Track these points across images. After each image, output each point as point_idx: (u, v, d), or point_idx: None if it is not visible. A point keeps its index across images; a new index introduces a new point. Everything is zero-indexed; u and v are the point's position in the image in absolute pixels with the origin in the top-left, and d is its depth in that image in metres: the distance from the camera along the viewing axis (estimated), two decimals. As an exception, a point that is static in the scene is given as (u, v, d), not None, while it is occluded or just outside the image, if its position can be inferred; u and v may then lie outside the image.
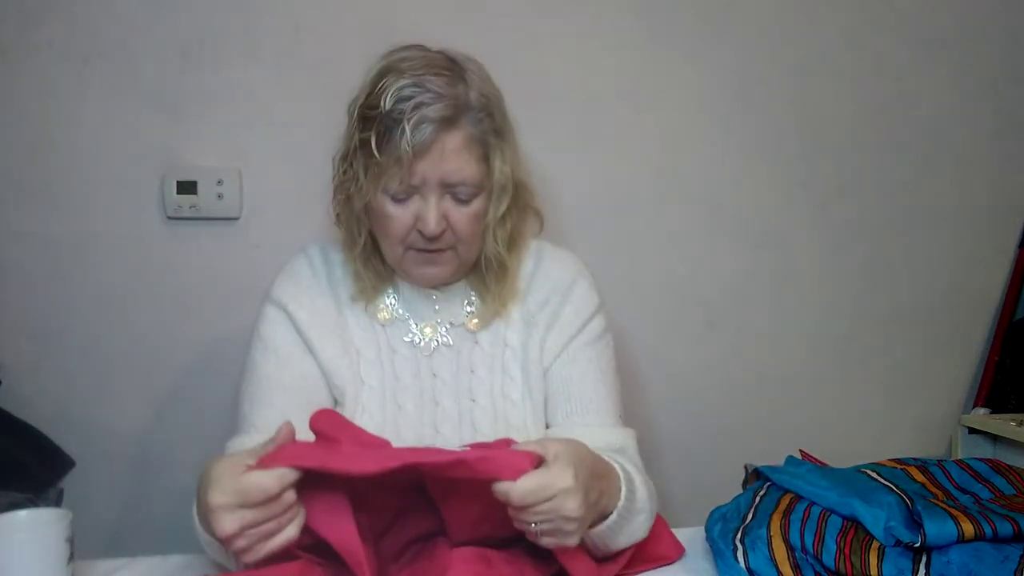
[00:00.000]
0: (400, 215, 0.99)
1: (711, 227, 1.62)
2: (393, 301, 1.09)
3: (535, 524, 0.81)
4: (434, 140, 0.94)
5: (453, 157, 0.96)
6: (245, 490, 0.77)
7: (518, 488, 0.79)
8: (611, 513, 0.89)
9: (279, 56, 1.46)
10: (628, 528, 0.93)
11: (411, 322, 1.09)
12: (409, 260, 1.03)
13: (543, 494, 0.79)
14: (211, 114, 1.46)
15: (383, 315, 1.08)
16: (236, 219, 1.49)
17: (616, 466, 0.93)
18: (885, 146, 1.66)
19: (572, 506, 0.80)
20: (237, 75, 1.46)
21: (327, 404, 1.05)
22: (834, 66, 1.62)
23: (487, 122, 0.99)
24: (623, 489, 0.91)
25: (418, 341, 1.08)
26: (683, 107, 1.59)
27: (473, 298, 1.10)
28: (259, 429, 1.00)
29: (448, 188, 0.98)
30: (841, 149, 1.64)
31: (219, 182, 1.47)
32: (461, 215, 1.00)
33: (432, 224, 0.97)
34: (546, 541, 0.83)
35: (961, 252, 1.71)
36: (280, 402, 1.03)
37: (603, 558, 0.95)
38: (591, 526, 0.88)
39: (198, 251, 1.49)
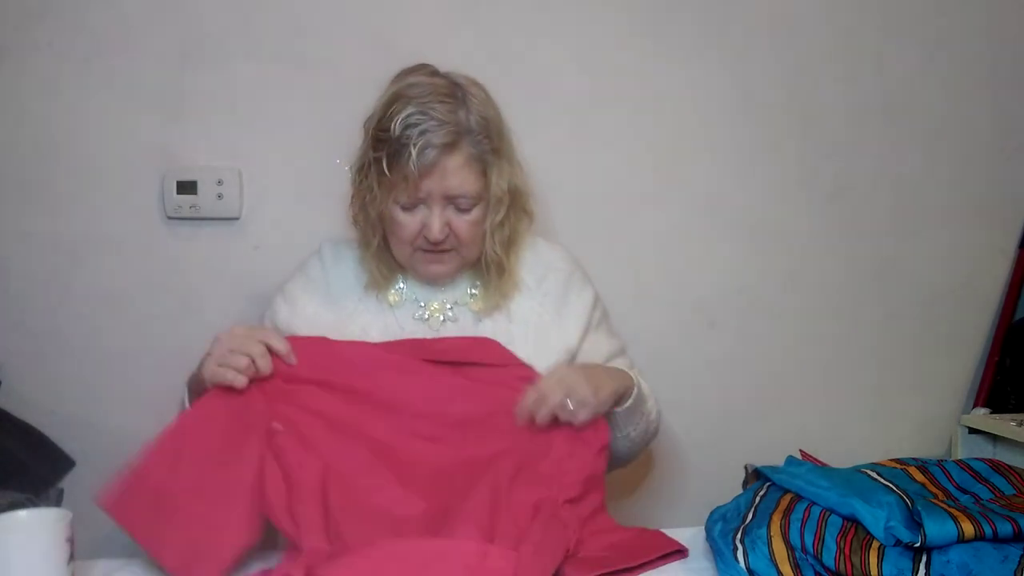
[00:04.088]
0: (409, 222, 1.12)
1: (711, 227, 1.62)
2: (403, 286, 1.21)
3: (567, 403, 1.02)
4: (437, 162, 1.07)
5: (454, 175, 1.09)
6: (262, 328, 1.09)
7: (530, 391, 1.03)
8: (633, 387, 1.14)
9: (279, 56, 1.46)
10: (641, 410, 1.18)
11: (420, 302, 1.20)
12: (417, 260, 1.16)
13: (549, 382, 1.04)
14: (211, 114, 1.46)
15: (393, 298, 1.20)
16: (236, 219, 1.49)
17: (616, 365, 1.19)
18: (885, 146, 1.66)
19: (574, 374, 1.06)
20: (237, 75, 1.46)
21: None
22: (834, 66, 1.62)
23: (485, 143, 1.11)
24: (633, 372, 1.18)
25: (427, 316, 1.19)
26: (683, 107, 1.59)
27: (477, 283, 1.20)
28: None
29: (450, 200, 1.11)
30: (841, 149, 1.64)
31: (219, 182, 1.47)
32: (462, 222, 1.13)
33: (436, 231, 1.11)
34: (581, 414, 1.03)
35: (961, 252, 1.71)
36: None
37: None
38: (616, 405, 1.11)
39: (198, 251, 1.49)
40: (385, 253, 1.18)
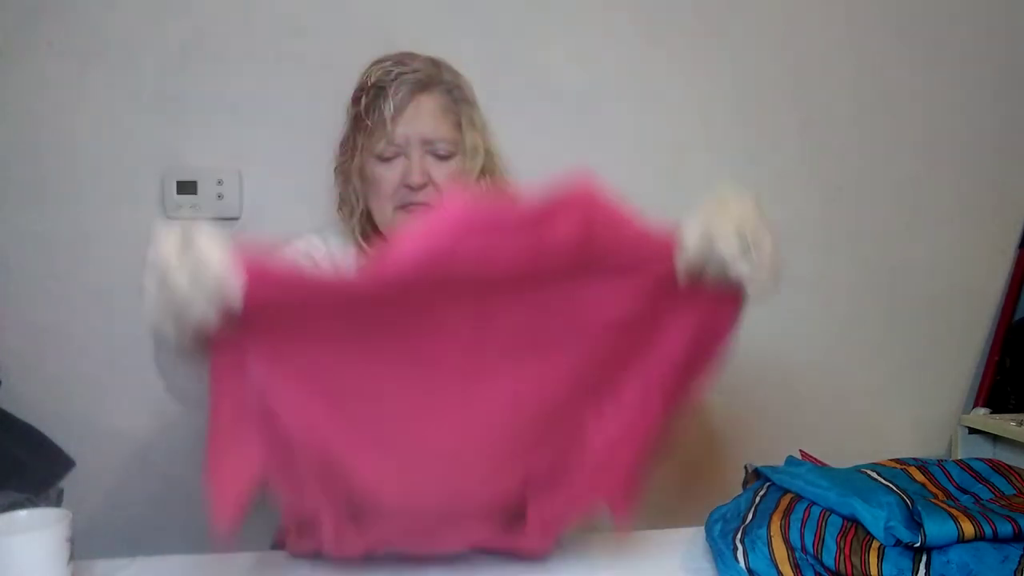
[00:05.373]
0: (388, 175, 1.11)
1: (711, 227, 1.62)
2: None
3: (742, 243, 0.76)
4: (411, 100, 1.09)
5: (429, 117, 1.11)
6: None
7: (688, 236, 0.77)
8: None
9: (279, 56, 1.46)
10: None
11: None
12: (400, 222, 1.13)
13: (711, 216, 0.78)
14: (211, 114, 1.46)
15: None
16: (236, 219, 1.49)
17: None
18: (885, 146, 1.66)
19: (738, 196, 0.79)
20: (237, 75, 1.46)
21: None
22: (834, 66, 1.62)
23: (457, 92, 1.14)
24: None
25: None
26: (683, 107, 1.59)
27: None
28: None
29: (428, 145, 1.11)
30: (841, 149, 1.64)
31: (219, 182, 1.47)
32: (441, 172, 1.12)
33: (416, 175, 1.10)
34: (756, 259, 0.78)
35: (961, 252, 1.71)
36: None
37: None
38: None
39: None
40: (369, 229, 1.18)
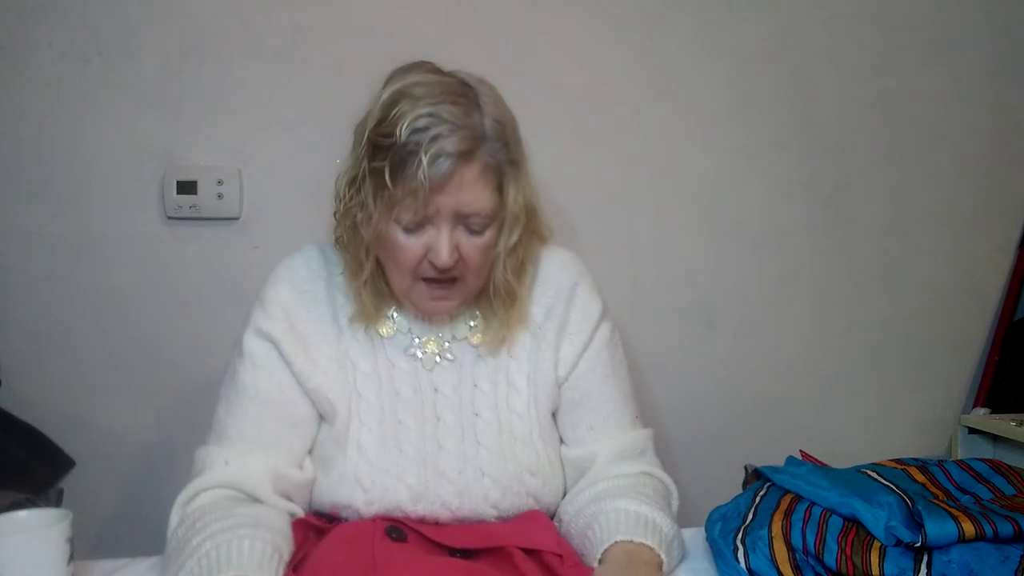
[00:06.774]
0: (411, 246, 0.97)
1: (711, 227, 1.62)
2: (396, 315, 1.08)
3: None
4: (452, 173, 0.92)
5: (469, 190, 0.94)
6: None
7: None
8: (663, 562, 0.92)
9: (279, 56, 1.46)
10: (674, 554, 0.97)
11: (413, 336, 1.07)
12: (418, 293, 1.01)
13: None
14: (211, 114, 1.46)
15: (385, 329, 1.07)
16: (236, 219, 1.49)
17: (647, 543, 0.93)
18: (885, 146, 1.66)
19: None
20: (237, 75, 1.46)
21: (305, 419, 1.04)
22: (834, 66, 1.62)
23: (503, 152, 0.97)
24: (660, 554, 0.93)
25: (420, 355, 1.07)
26: (683, 107, 1.59)
27: (477, 314, 1.09)
28: (231, 440, 1.01)
29: (461, 218, 0.96)
30: (841, 149, 1.64)
31: (219, 182, 1.47)
32: (472, 246, 0.98)
33: (444, 256, 0.95)
34: None
35: (961, 252, 1.71)
36: (255, 413, 1.02)
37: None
38: None
39: (198, 251, 1.49)
40: (378, 279, 1.03)
